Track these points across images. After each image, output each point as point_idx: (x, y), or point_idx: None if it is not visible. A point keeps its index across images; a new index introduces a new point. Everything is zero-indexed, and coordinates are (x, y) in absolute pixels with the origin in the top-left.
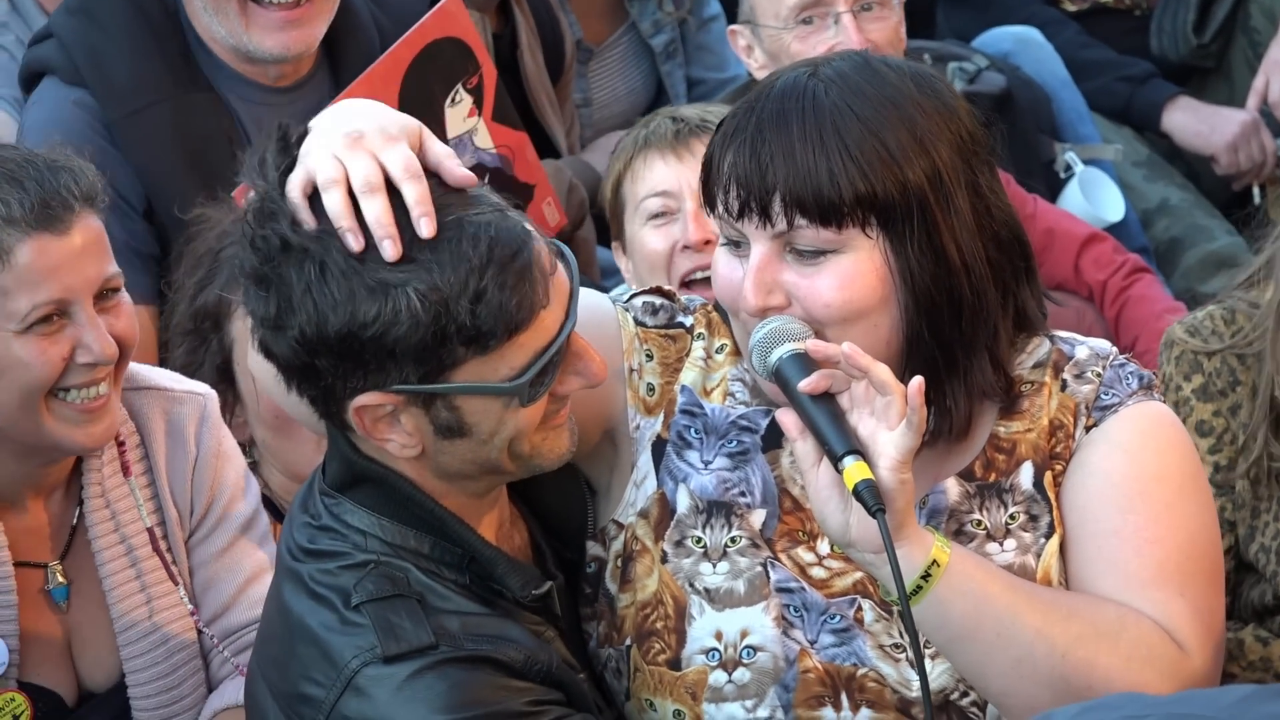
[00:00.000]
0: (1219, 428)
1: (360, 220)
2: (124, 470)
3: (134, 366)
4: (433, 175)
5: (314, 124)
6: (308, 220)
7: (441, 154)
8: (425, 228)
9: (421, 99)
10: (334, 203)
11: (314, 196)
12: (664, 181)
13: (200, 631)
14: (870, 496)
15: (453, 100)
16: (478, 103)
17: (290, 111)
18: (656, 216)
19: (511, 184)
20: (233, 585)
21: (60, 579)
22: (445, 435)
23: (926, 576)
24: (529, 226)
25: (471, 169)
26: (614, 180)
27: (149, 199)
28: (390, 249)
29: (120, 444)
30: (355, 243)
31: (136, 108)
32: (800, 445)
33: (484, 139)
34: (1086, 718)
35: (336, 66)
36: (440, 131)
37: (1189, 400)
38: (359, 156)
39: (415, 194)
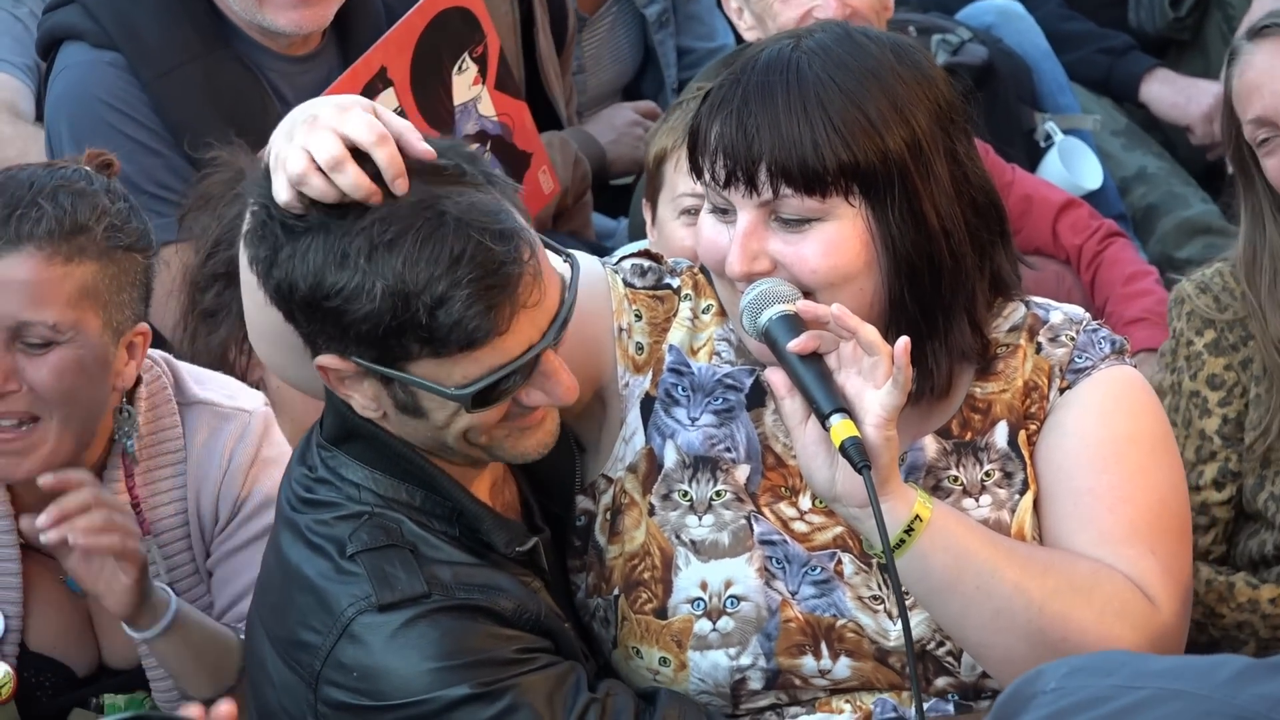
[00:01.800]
0: (1230, 381)
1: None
2: (142, 528)
3: (189, 381)
4: (424, 167)
5: (275, 132)
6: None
7: (400, 126)
8: (400, 187)
9: (432, 66)
10: (314, 188)
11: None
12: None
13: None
14: (856, 453)
15: (459, 68)
16: (482, 71)
17: (304, 80)
18: (688, 213)
19: (511, 151)
20: (245, 580)
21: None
22: (403, 411)
23: (909, 531)
24: (526, 255)
25: (474, 135)
26: (658, 154)
27: (185, 154)
28: (377, 201)
29: (135, 504)
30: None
31: (168, 68)
32: (788, 403)
33: (487, 107)
34: (1077, 678)
35: (344, 38)
36: (448, 98)
37: (1200, 355)
38: (318, 134)
39: (384, 156)
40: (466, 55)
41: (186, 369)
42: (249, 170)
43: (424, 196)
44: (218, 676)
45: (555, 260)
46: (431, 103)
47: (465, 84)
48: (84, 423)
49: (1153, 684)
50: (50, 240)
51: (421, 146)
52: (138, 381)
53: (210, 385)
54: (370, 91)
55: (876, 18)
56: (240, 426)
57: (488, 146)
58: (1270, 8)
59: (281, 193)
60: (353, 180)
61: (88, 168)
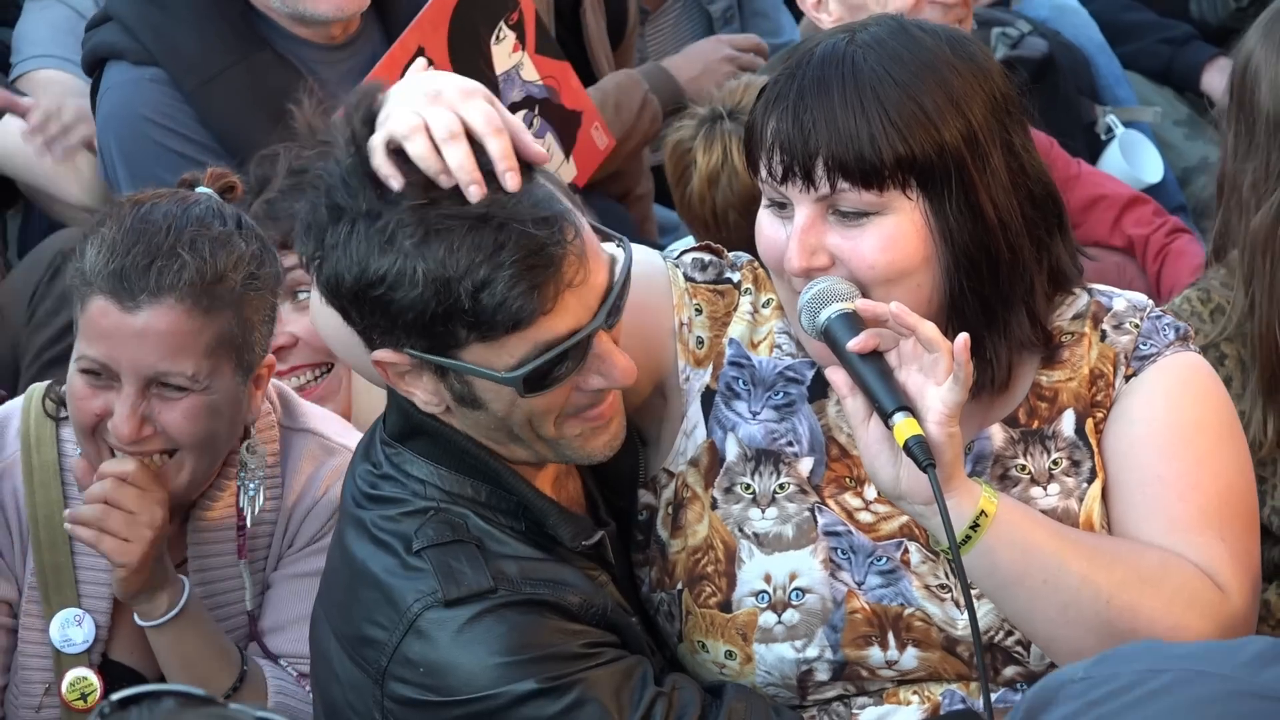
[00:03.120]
0: (1245, 353)
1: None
2: (239, 551)
3: (302, 406)
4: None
5: (391, 91)
6: (392, 175)
7: (516, 126)
8: (510, 181)
9: (469, 39)
10: (418, 148)
11: (400, 154)
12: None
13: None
14: (920, 452)
15: (497, 38)
16: (520, 38)
17: (346, 67)
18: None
19: (560, 112)
20: (287, 613)
21: None
22: (463, 403)
23: (975, 526)
24: (570, 236)
25: (520, 101)
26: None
27: (235, 157)
28: (476, 192)
29: (240, 529)
30: (447, 181)
31: (210, 75)
32: (850, 402)
33: (530, 72)
34: (1104, 667)
35: (385, 19)
36: (490, 68)
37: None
38: (438, 109)
39: (499, 148)
40: (502, 24)
41: (295, 397)
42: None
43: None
44: (206, 687)
45: (607, 245)
46: (473, 75)
47: (505, 52)
48: (211, 460)
49: (1177, 665)
50: (191, 292)
51: (534, 148)
52: None
53: (320, 418)
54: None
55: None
56: (343, 464)
57: (535, 110)
58: None
59: (378, 151)
60: (460, 159)
61: (212, 192)
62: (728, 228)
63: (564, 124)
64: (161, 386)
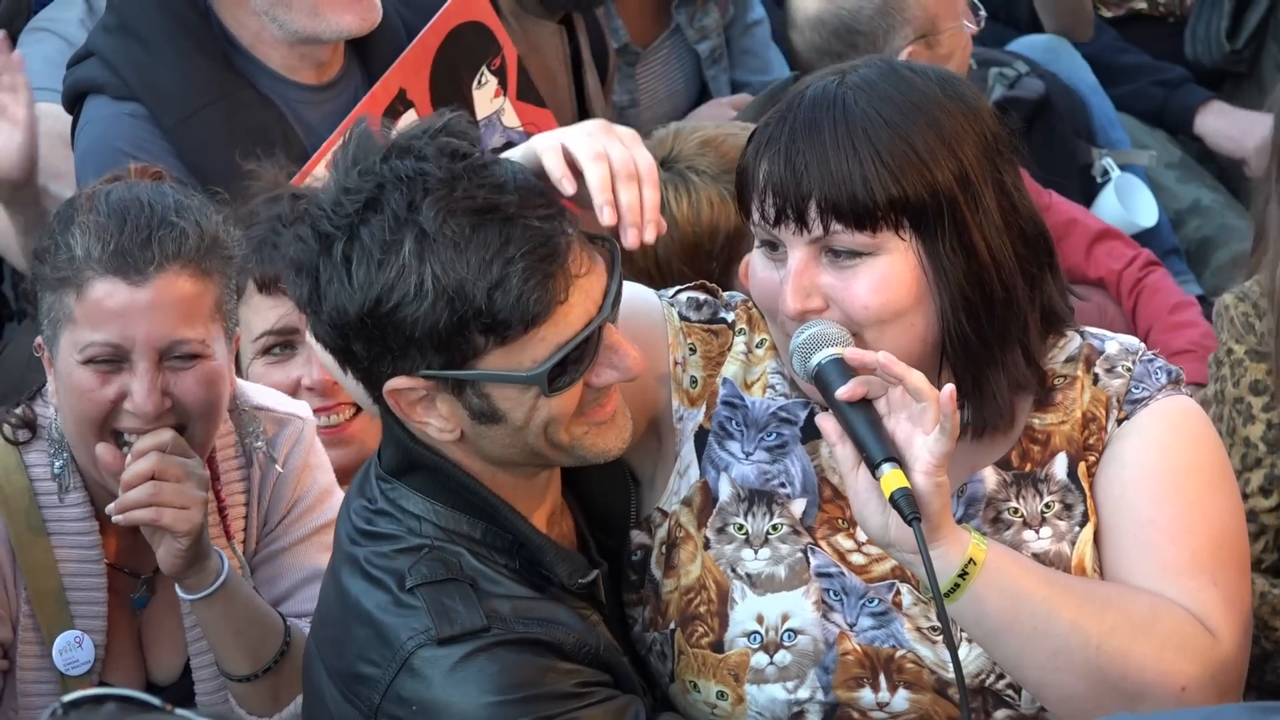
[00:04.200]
0: (1273, 385)
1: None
2: (225, 533)
3: (245, 386)
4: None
5: (550, 134)
6: (570, 187)
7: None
8: (650, 233)
9: (450, 83)
10: (597, 177)
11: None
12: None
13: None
14: (906, 505)
15: (479, 82)
16: (502, 83)
17: (328, 108)
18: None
19: None
20: (290, 580)
21: (146, 590)
22: (481, 420)
23: (964, 574)
24: (569, 230)
25: (501, 147)
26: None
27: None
28: (634, 236)
29: (222, 509)
30: (610, 217)
31: (190, 112)
32: (840, 449)
33: (511, 118)
34: None
35: (367, 62)
36: (470, 112)
37: (1243, 361)
38: (616, 144)
39: (653, 199)
40: (484, 69)
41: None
42: (288, 187)
43: (463, 190)
44: (256, 654)
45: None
46: None
47: (486, 98)
48: (216, 428)
49: None
50: (195, 256)
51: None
52: None
53: (262, 393)
54: (391, 114)
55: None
56: (295, 432)
57: None
58: None
59: (557, 161)
60: (632, 201)
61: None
62: (673, 277)
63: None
64: (174, 359)
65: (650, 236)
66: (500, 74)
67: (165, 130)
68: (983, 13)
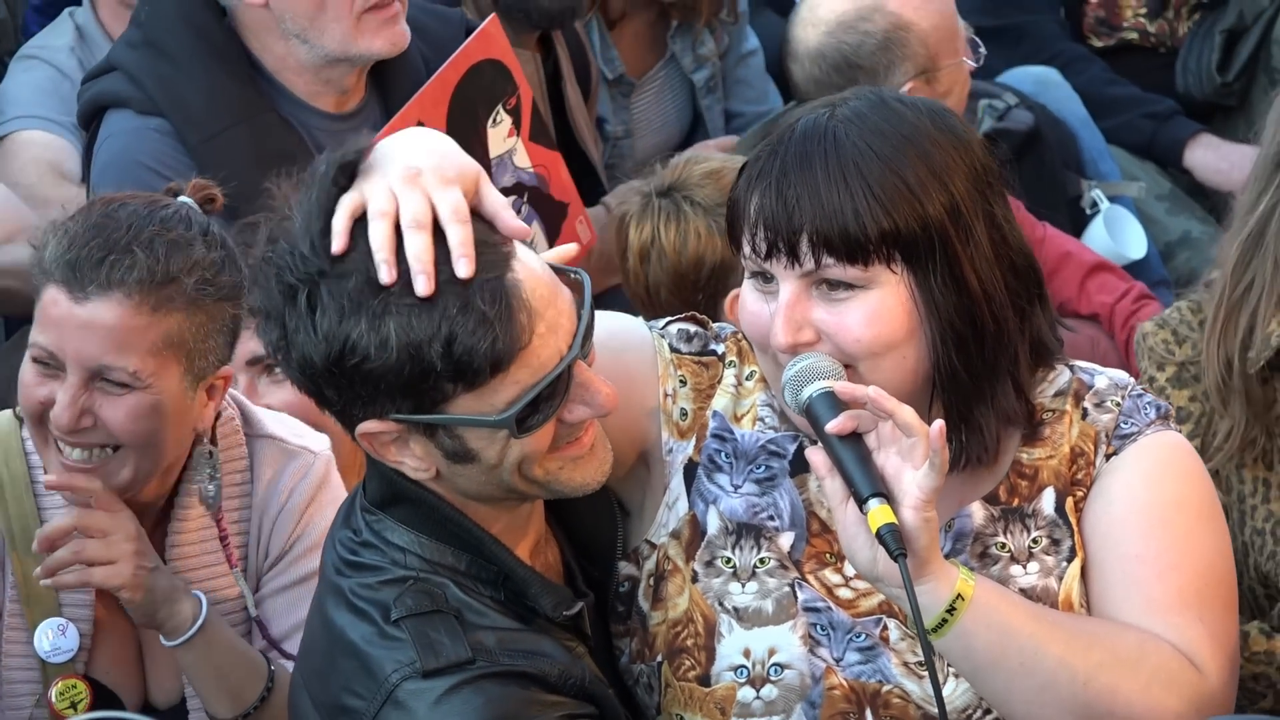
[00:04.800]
0: (1195, 412)
1: (400, 255)
2: (229, 561)
3: (259, 414)
4: (484, 221)
5: (379, 149)
6: (339, 244)
7: (498, 204)
8: (464, 268)
9: (467, 120)
10: (378, 233)
11: (360, 221)
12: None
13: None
14: (892, 541)
15: (494, 121)
16: (516, 123)
17: (346, 138)
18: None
19: (547, 202)
20: (292, 619)
21: None
22: (454, 460)
23: (952, 610)
24: (512, 262)
25: (511, 187)
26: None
27: (233, 216)
28: (424, 285)
29: (224, 538)
30: (388, 275)
31: (215, 132)
32: (829, 483)
33: (522, 158)
34: None
35: (386, 94)
36: (484, 151)
37: (1164, 389)
38: (413, 193)
39: (459, 236)
40: (500, 107)
41: (251, 405)
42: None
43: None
44: (238, 697)
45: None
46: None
47: (500, 136)
48: (156, 464)
49: None
50: (140, 289)
51: (516, 224)
52: (216, 417)
53: (278, 422)
54: None
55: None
56: (304, 466)
57: (524, 198)
58: None
59: (343, 210)
60: (419, 251)
61: (191, 202)
62: (660, 304)
63: (550, 214)
64: (104, 381)
65: (464, 271)
66: (515, 114)
67: (190, 148)
68: (982, 50)
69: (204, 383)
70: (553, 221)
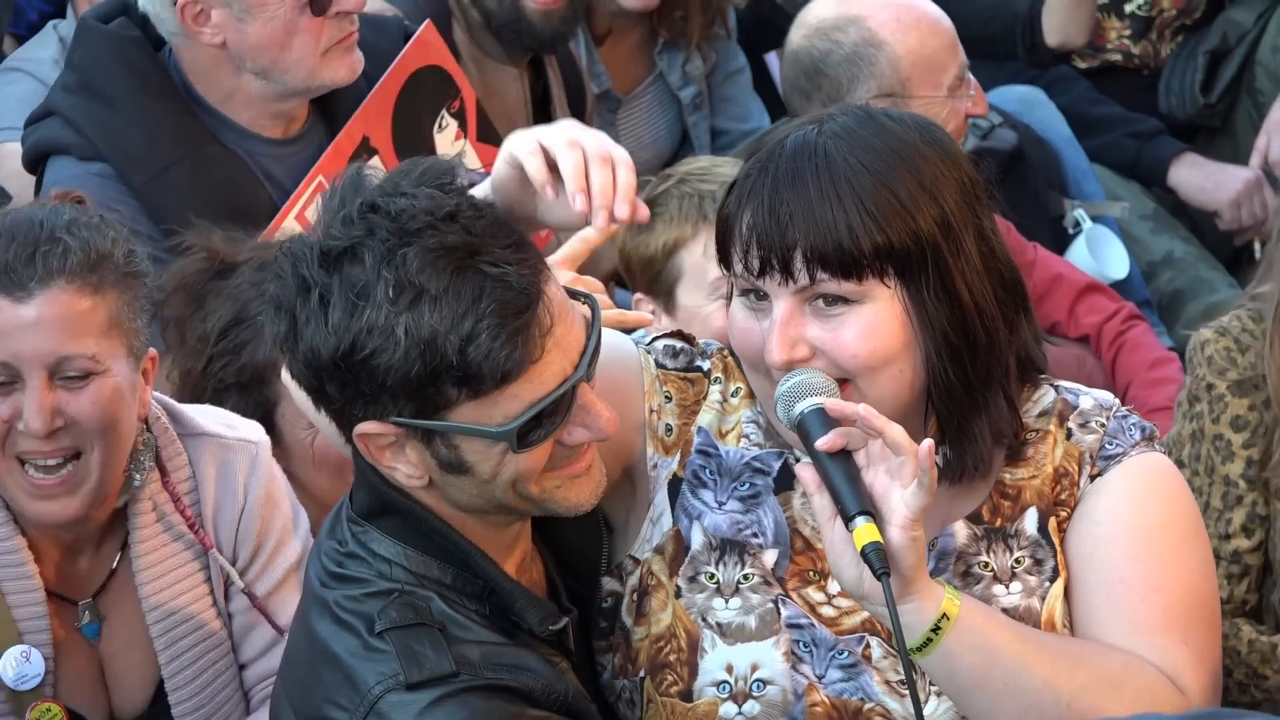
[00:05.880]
0: (1253, 421)
1: None
2: (199, 539)
3: (188, 412)
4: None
5: (524, 133)
6: (554, 192)
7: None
8: (643, 210)
9: (412, 127)
10: (570, 164)
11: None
12: None
13: (242, 668)
14: (877, 560)
15: (439, 126)
16: (462, 125)
17: (293, 161)
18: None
19: None
20: (270, 632)
21: (90, 616)
22: (448, 470)
23: (937, 629)
24: (544, 286)
25: (465, 189)
26: (668, 245)
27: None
28: (603, 219)
29: (188, 518)
30: (583, 204)
31: (158, 170)
32: (817, 499)
33: (472, 159)
34: None
35: (329, 113)
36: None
37: (1224, 396)
38: (589, 134)
39: (627, 180)
40: (445, 112)
41: (177, 404)
42: (224, 252)
43: (441, 241)
44: None
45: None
46: None
47: (448, 140)
48: (120, 454)
49: None
50: (80, 272)
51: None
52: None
53: (207, 417)
54: (355, 162)
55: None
56: (249, 459)
57: None
58: None
59: (532, 158)
60: (606, 181)
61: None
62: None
63: None
64: (65, 379)
65: (623, 212)
66: (460, 116)
67: (134, 189)
68: (973, 92)
69: (140, 363)
70: None
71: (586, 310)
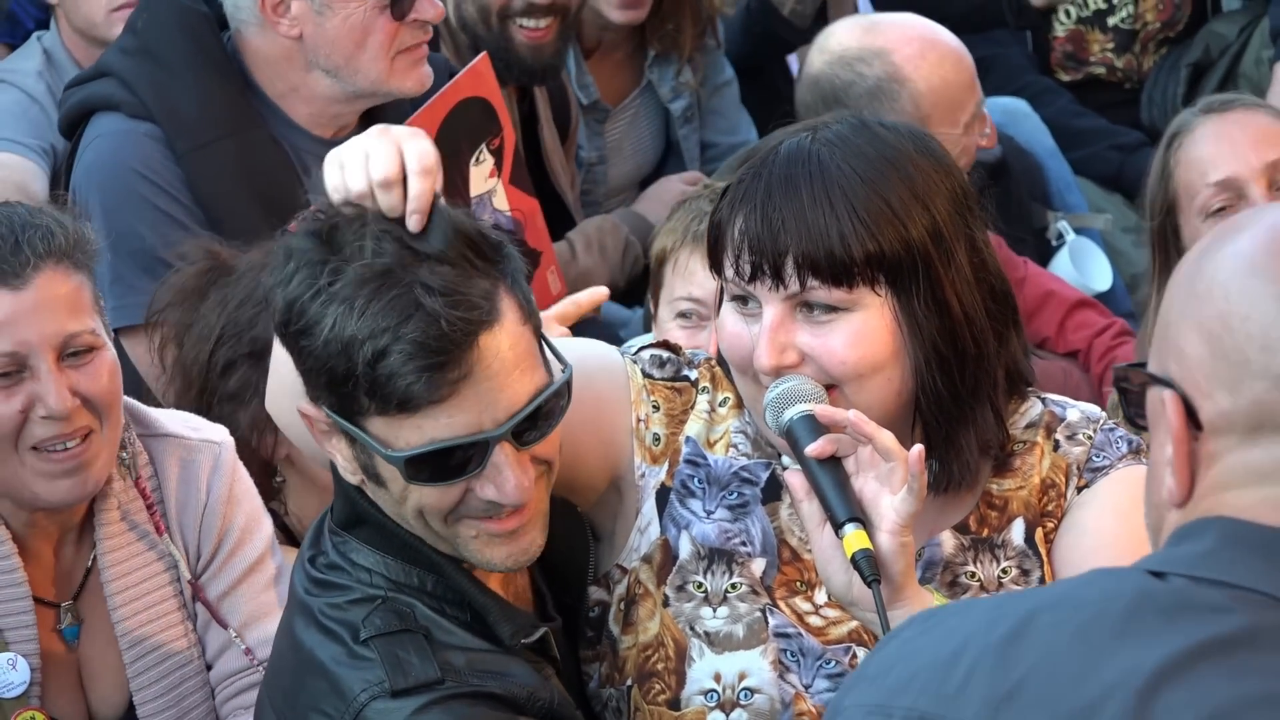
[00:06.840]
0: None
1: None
2: (156, 529)
3: (152, 413)
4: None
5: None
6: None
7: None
8: (414, 223)
9: (451, 155)
10: (355, 175)
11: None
12: (701, 288)
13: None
14: (867, 566)
15: (477, 159)
16: (498, 164)
17: None
18: (684, 316)
19: (522, 249)
20: (249, 608)
21: (71, 619)
22: (369, 478)
23: None
24: (480, 328)
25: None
26: (659, 254)
27: (215, 228)
28: (417, 221)
29: (150, 505)
30: (378, 202)
31: (204, 142)
32: (806, 506)
33: (501, 201)
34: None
35: (374, 124)
36: (465, 188)
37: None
38: (384, 144)
39: (416, 189)
40: (484, 147)
41: (140, 405)
42: (226, 260)
43: (409, 261)
44: None
45: (553, 363)
46: (449, 191)
47: (482, 176)
48: (119, 429)
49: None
50: (67, 251)
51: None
52: None
53: (172, 419)
54: None
55: None
56: (212, 458)
57: None
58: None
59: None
60: (392, 202)
61: None
62: None
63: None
64: (72, 356)
65: (413, 226)
66: (498, 155)
67: (178, 155)
68: (988, 129)
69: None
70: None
71: (550, 378)
